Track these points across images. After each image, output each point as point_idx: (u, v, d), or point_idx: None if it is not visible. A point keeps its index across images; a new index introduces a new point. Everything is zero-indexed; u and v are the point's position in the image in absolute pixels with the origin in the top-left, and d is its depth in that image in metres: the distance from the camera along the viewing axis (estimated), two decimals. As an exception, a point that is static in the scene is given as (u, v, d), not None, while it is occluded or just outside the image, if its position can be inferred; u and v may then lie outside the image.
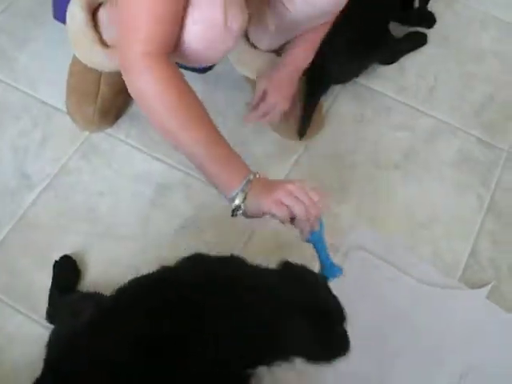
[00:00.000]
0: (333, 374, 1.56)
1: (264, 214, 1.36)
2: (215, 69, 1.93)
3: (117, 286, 1.59)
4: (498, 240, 1.84)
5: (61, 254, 1.69)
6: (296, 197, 1.33)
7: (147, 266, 1.65)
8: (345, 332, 1.31)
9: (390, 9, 2.08)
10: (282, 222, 1.37)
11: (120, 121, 1.93)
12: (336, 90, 2.04)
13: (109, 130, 1.91)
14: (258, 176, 1.37)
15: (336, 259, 1.53)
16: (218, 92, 1.99)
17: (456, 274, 1.78)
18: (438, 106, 2.05)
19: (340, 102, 2.03)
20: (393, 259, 1.76)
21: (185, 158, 1.40)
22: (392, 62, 2.11)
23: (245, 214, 1.38)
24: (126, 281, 1.62)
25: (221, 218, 1.75)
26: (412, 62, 2.14)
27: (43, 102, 1.96)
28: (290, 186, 1.34)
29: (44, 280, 1.66)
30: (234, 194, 1.35)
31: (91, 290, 1.64)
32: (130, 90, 1.38)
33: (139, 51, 1.33)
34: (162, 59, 1.34)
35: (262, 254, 1.70)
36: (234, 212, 1.37)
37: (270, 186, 1.36)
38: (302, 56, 1.77)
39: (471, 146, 1.99)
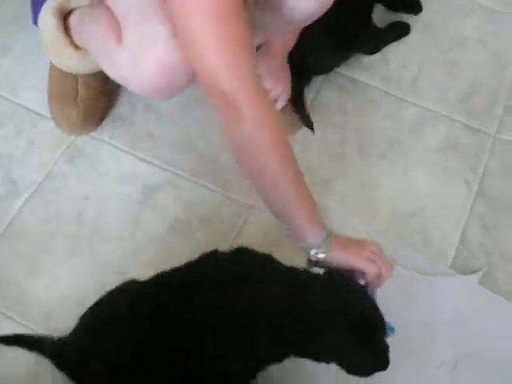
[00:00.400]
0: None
1: (350, 268, 1.41)
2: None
3: (107, 289, 1.61)
4: (488, 225, 1.85)
5: (50, 260, 1.70)
6: (380, 256, 1.43)
7: (137, 269, 1.68)
8: (386, 345, 1.36)
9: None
10: (366, 279, 1.43)
11: (104, 123, 1.94)
12: (319, 81, 2.05)
13: (93, 133, 1.92)
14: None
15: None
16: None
17: (447, 261, 1.79)
18: (422, 95, 2.06)
19: (323, 94, 2.03)
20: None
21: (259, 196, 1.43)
22: (375, 52, 2.12)
23: (322, 265, 1.42)
24: (116, 284, 1.64)
25: (209, 216, 1.77)
26: (395, 51, 2.14)
27: (26, 108, 1.96)
28: (375, 248, 1.44)
29: (35, 286, 1.67)
30: (314, 243, 1.40)
31: (80, 294, 1.65)
32: (233, 139, 1.36)
33: (247, 86, 1.31)
34: (264, 95, 1.35)
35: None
36: (312, 262, 1.43)
37: (354, 243, 1.44)
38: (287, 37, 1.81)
39: (457, 133, 1.99)
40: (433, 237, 1.82)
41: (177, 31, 1.33)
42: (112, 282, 1.66)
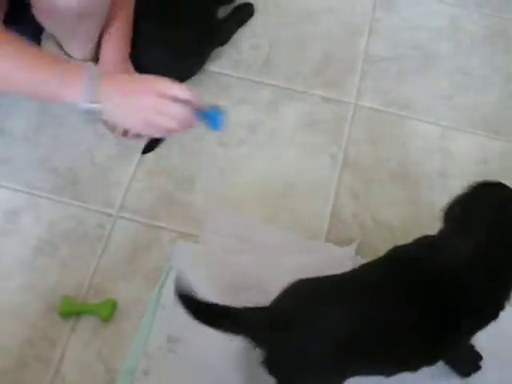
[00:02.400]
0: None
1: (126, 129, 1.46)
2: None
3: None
4: (357, 194, 1.95)
5: None
6: (166, 112, 1.41)
7: (10, 295, 1.73)
8: None
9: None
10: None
11: (-44, 157, 1.95)
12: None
13: None
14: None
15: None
16: (55, 104, 2.03)
17: (321, 236, 1.87)
18: (275, 74, 2.15)
19: (178, 90, 2.09)
20: (251, 235, 1.84)
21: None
22: (226, 42, 2.19)
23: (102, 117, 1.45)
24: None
25: (73, 232, 1.83)
26: (244, 33, 2.23)
27: None
28: (159, 105, 1.40)
29: None
30: (82, 94, 1.39)
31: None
32: None
33: None
34: None
35: (120, 260, 1.79)
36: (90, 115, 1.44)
37: (133, 94, 1.41)
38: (117, 52, 1.87)
39: (316, 107, 2.09)
40: (304, 214, 1.91)
41: None
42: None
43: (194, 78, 2.11)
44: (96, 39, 1.83)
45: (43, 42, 1.91)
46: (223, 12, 2.22)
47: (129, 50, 1.89)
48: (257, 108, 2.07)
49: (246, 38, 2.22)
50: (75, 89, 1.41)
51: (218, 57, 2.17)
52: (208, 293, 1.70)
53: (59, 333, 1.69)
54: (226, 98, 2.09)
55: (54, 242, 1.82)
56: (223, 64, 2.16)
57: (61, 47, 1.89)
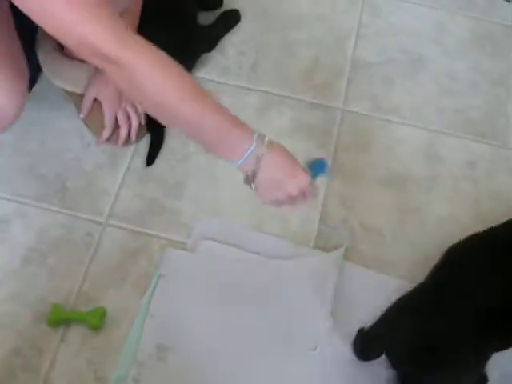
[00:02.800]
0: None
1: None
2: (34, 89, 2.01)
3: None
4: (346, 200, 1.96)
5: None
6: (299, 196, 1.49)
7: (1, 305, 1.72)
8: None
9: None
10: None
11: None
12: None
13: None
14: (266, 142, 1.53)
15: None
16: (42, 112, 2.04)
17: (309, 243, 1.88)
18: (263, 80, 2.16)
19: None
20: (240, 242, 1.85)
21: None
22: (212, 49, 2.20)
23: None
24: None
25: (62, 240, 1.83)
26: (231, 39, 2.24)
27: None
28: (296, 192, 1.49)
29: None
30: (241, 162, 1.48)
31: None
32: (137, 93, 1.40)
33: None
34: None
35: (108, 269, 1.80)
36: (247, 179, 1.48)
37: (285, 173, 1.51)
38: None
39: (304, 112, 2.10)
40: (292, 220, 1.92)
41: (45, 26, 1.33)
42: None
43: (181, 85, 2.10)
44: None
45: (39, 43, 1.92)
46: (209, 18, 2.23)
47: None
48: (244, 114, 2.03)
49: (232, 44, 2.23)
50: (236, 152, 1.50)
51: (205, 63, 2.17)
52: (197, 299, 1.73)
53: (48, 342, 1.70)
54: (213, 104, 2.07)
55: (43, 250, 1.82)
56: (210, 70, 2.17)
57: (57, 48, 1.90)
